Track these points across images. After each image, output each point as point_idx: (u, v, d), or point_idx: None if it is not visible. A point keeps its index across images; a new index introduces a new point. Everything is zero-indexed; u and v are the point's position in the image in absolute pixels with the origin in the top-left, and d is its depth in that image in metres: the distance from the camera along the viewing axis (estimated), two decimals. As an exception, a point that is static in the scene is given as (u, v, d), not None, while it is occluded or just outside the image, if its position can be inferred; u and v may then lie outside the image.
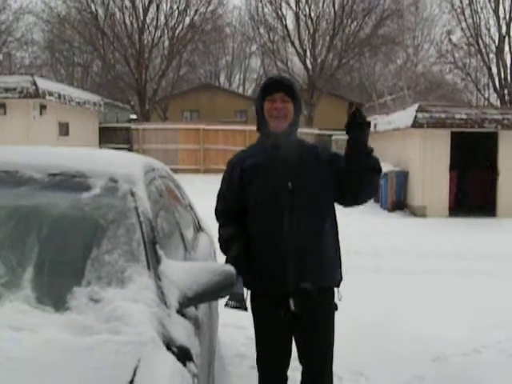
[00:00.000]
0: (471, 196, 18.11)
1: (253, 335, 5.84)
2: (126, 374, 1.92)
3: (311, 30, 33.39)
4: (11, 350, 1.97)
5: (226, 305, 3.34)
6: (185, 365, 2.19)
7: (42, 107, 20.51)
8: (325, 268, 3.41)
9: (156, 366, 2.02)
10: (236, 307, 3.35)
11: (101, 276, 2.37)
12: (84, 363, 1.94)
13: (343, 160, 3.35)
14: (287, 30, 33.70)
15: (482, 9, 32.12)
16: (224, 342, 5.63)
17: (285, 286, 3.33)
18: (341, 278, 3.55)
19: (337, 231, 3.52)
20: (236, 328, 6.07)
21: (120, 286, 2.34)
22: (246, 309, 3.39)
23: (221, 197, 3.61)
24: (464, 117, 16.88)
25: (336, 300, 3.54)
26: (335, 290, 3.53)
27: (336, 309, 3.55)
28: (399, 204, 17.82)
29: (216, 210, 3.65)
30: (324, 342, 3.52)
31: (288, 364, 3.59)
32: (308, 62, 33.80)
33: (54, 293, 2.32)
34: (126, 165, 3.11)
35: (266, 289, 3.44)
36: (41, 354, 1.96)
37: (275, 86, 3.42)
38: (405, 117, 17.79)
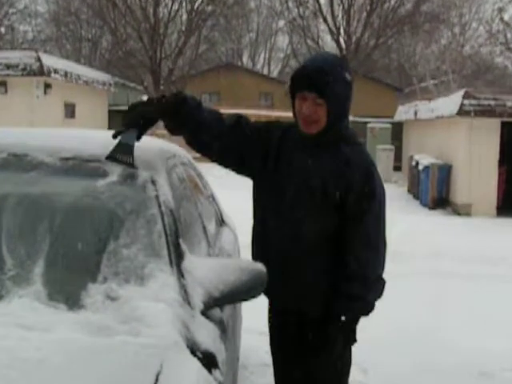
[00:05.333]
0: (523, 194, 17.96)
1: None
2: (147, 380, 1.93)
3: (346, 5, 33.13)
4: (21, 349, 1.99)
5: (109, 157, 2.83)
6: (210, 372, 2.21)
7: (47, 86, 20.65)
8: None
9: (180, 372, 2.03)
10: (123, 161, 2.84)
11: (118, 272, 2.39)
12: (101, 366, 1.95)
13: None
14: (319, 5, 33.45)
15: (538, -17, 31.80)
16: (246, 349, 5.63)
17: None
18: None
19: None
20: (259, 334, 6.06)
21: (139, 284, 2.36)
22: (132, 165, 2.84)
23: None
24: (516, 105, 16.75)
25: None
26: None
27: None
28: (441, 201, 17.71)
29: None
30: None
31: None
32: (341, 40, 33.58)
33: (67, 289, 2.34)
34: (145, 149, 3.09)
35: None
36: (53, 355, 1.97)
37: (307, 83, 2.98)
38: (449, 104, 17.68)
